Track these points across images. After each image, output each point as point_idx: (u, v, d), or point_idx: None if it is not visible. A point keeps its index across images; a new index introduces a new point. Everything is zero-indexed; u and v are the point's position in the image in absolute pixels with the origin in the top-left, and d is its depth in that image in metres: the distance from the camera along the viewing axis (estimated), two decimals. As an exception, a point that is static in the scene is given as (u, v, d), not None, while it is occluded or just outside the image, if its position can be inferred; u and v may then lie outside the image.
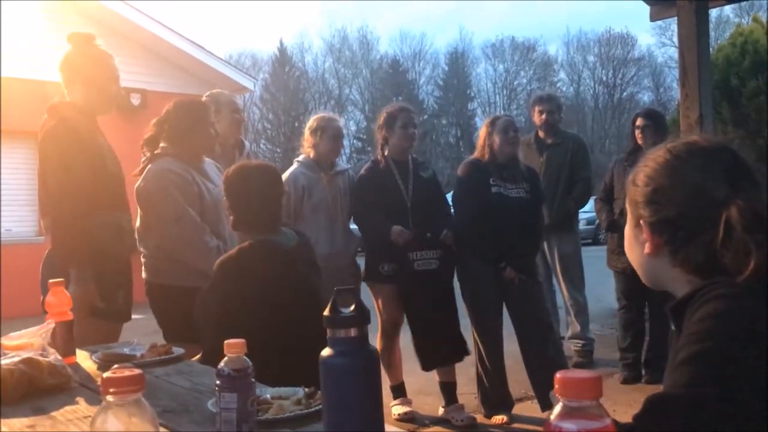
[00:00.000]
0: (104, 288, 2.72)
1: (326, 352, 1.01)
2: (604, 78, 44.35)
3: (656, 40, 43.70)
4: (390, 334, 4.00)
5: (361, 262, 4.01)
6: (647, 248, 1.23)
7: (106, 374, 0.91)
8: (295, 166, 3.98)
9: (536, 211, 4.02)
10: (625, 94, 44.04)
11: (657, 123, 4.64)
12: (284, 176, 3.63)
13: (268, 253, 2.40)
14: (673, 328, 1.20)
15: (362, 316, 1.02)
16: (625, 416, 1.02)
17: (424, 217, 3.85)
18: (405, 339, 4.14)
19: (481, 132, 4.05)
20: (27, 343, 1.79)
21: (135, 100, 10.08)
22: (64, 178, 2.65)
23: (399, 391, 4.09)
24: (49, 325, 1.87)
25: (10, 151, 9.44)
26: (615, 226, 4.63)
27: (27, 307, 2.90)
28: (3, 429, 1.42)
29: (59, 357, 1.77)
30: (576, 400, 0.73)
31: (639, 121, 4.66)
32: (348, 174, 4.06)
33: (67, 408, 1.56)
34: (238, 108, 3.89)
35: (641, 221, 1.24)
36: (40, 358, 1.71)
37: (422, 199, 3.89)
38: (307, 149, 3.96)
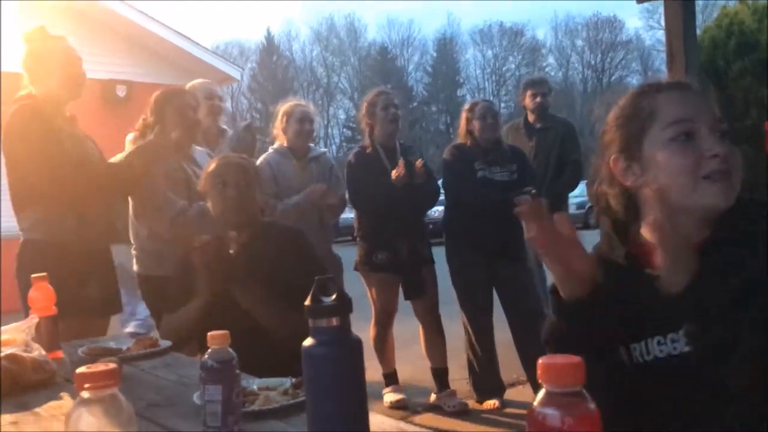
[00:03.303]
0: (72, 282, 2.59)
1: (308, 341, 1.00)
2: (593, 62, 44.46)
3: (644, 23, 43.97)
4: (383, 323, 3.99)
5: (352, 251, 3.99)
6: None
7: (79, 370, 0.89)
8: (267, 152, 3.95)
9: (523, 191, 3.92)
10: (613, 77, 44.19)
11: None
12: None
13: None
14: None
15: (343, 306, 1.01)
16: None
17: (413, 202, 3.84)
18: (398, 327, 4.14)
19: (462, 118, 4.03)
20: (10, 338, 1.76)
21: (121, 91, 9.98)
22: (42, 164, 2.57)
23: (391, 379, 4.09)
24: (33, 320, 1.85)
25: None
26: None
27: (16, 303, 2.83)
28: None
29: (43, 352, 1.75)
30: (559, 386, 0.72)
31: None
32: (324, 158, 4.02)
33: (51, 404, 1.54)
34: (213, 95, 3.81)
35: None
36: (24, 354, 1.69)
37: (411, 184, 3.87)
38: (280, 137, 3.93)
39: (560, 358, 0.73)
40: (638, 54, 43.89)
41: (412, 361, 4.41)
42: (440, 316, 3.96)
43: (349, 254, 4.04)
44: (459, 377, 4.16)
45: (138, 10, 10.38)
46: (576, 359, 0.72)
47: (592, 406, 0.72)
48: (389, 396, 4.02)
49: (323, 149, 4.39)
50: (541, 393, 0.73)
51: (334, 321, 0.99)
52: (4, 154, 2.72)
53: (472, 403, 3.92)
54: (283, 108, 3.94)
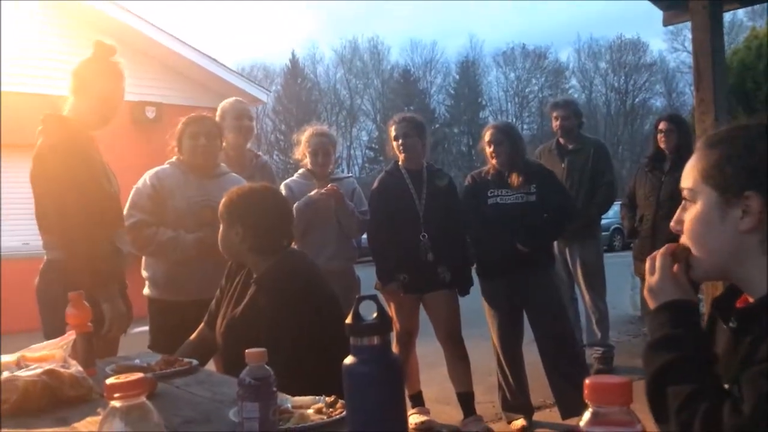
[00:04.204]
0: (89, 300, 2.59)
1: (349, 360, 1.01)
2: (616, 84, 44.28)
3: (668, 45, 43.71)
4: (405, 344, 3.97)
5: (371, 271, 3.98)
6: (748, 223, 1.12)
7: (109, 380, 0.92)
8: (291, 177, 4.01)
9: (541, 210, 3.84)
10: (637, 100, 43.97)
11: (680, 127, 4.65)
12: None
13: (303, 264, 2.41)
14: (731, 325, 1.15)
15: (384, 324, 1.02)
16: (650, 424, 1.00)
17: (437, 225, 3.85)
18: (423, 348, 4.12)
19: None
20: (49, 354, 1.80)
21: (150, 113, 10.16)
22: (69, 199, 2.57)
23: (417, 400, 4.07)
24: (70, 336, 1.88)
25: (25, 165, 9.48)
26: (634, 233, 4.66)
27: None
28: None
29: (80, 368, 1.78)
30: (606, 406, 0.72)
31: (662, 125, 4.66)
32: (348, 181, 4.04)
33: (89, 419, 1.56)
34: (242, 115, 3.79)
35: (747, 192, 1.11)
36: (62, 370, 1.72)
37: (435, 208, 3.88)
38: (303, 161, 3.98)
39: (607, 378, 0.74)
40: (662, 76, 43.66)
41: (439, 383, 4.38)
42: (463, 341, 3.92)
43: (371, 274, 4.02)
44: (485, 400, 4.13)
45: (168, 33, 10.59)
46: (623, 379, 0.73)
47: (639, 426, 0.73)
48: (414, 417, 4.00)
49: (348, 174, 4.40)
50: (588, 412, 0.73)
51: (375, 340, 1.01)
52: (32, 175, 2.73)
53: (499, 427, 3.88)
54: (302, 134, 3.98)
